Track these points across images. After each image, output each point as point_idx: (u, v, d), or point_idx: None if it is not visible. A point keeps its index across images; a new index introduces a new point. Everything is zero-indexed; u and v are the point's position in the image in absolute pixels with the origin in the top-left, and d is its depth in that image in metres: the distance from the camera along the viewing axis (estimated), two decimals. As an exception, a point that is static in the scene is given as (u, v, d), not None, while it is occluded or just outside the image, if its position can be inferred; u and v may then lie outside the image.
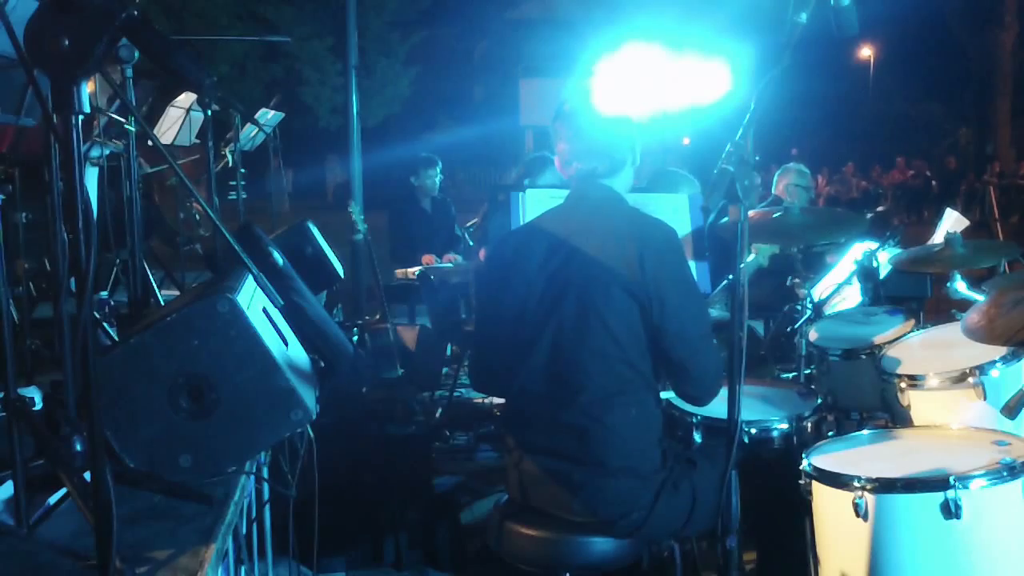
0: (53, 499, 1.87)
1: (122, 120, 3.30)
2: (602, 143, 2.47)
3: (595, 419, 2.32)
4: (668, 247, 2.38)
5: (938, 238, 3.57)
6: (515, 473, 2.46)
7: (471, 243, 6.50)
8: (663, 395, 2.87)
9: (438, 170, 6.75)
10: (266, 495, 2.56)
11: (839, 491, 2.22)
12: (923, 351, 2.94)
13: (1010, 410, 2.39)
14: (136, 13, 1.45)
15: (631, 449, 2.33)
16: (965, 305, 2.83)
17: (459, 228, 6.85)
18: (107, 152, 3.79)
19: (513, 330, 2.46)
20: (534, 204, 3.24)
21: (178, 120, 6.19)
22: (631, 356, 2.33)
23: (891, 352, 2.97)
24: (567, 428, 2.35)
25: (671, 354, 2.35)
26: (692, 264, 3.10)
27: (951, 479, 2.08)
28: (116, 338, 2.81)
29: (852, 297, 3.70)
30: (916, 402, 2.71)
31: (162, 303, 3.74)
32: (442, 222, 6.75)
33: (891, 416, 2.93)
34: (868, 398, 3.07)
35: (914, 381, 2.72)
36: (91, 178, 3.85)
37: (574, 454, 2.34)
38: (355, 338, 4.46)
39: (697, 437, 2.74)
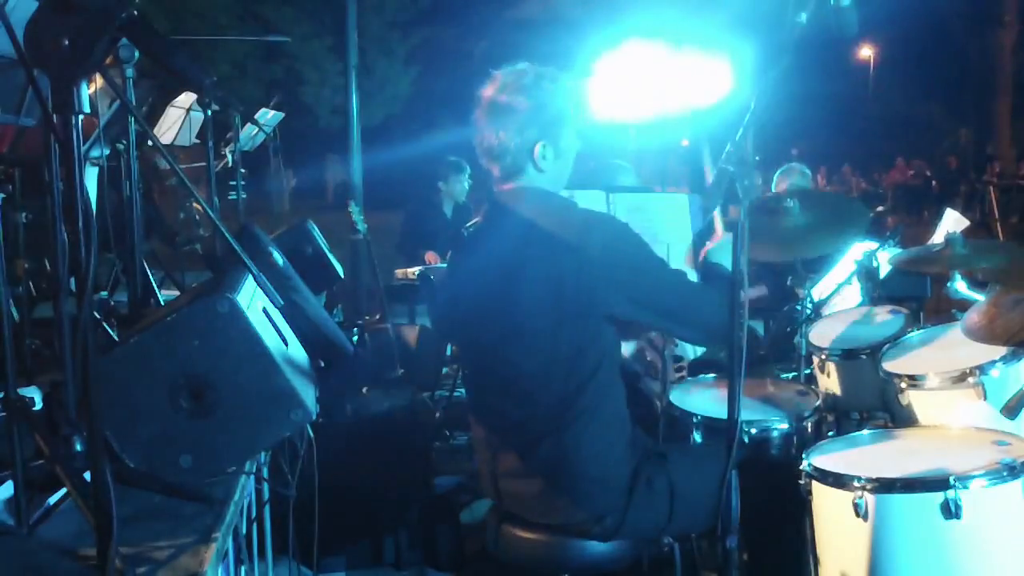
0: (53, 499, 1.87)
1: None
2: (486, 141, 2.29)
3: (552, 442, 2.26)
4: (611, 243, 2.21)
5: (938, 238, 3.57)
6: (492, 489, 2.46)
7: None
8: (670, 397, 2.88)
9: (467, 175, 6.67)
10: (266, 495, 2.56)
11: (839, 491, 2.22)
12: (923, 351, 2.94)
13: (1010, 410, 2.39)
14: (136, 13, 1.45)
15: (595, 458, 2.27)
16: (965, 305, 2.83)
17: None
18: (107, 152, 3.79)
19: (471, 369, 2.48)
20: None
21: (178, 120, 6.19)
22: (582, 373, 2.22)
23: (891, 352, 2.97)
24: (526, 448, 2.31)
25: (676, 320, 2.29)
26: (692, 272, 3.09)
27: (951, 479, 2.08)
28: (116, 338, 2.80)
29: (852, 297, 3.70)
30: (916, 402, 2.71)
31: (162, 303, 3.74)
32: (459, 228, 6.68)
33: (891, 416, 2.93)
34: (868, 398, 3.07)
35: (914, 381, 2.71)
36: (91, 178, 3.85)
37: (536, 470, 2.30)
38: (355, 338, 4.46)
39: (697, 437, 2.74)
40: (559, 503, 2.30)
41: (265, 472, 2.43)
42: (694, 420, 2.75)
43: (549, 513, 2.34)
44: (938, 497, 2.08)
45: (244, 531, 2.24)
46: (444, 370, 5.70)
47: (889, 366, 2.85)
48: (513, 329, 2.25)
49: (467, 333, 2.45)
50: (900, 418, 2.80)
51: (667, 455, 2.40)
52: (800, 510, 2.43)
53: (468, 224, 6.42)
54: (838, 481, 2.23)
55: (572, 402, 2.24)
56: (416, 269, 6.12)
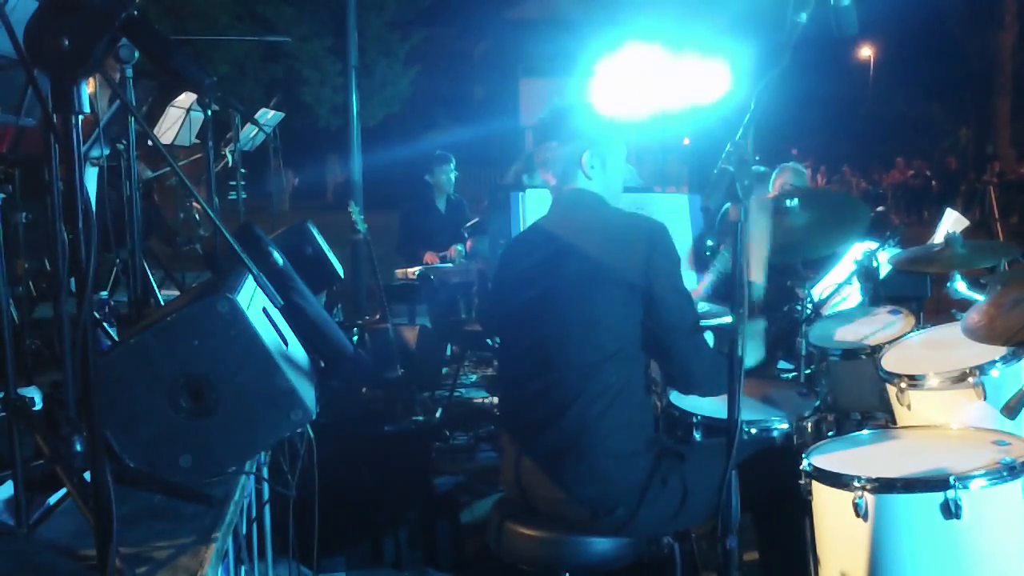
0: (53, 499, 1.87)
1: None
2: (540, 156, 2.54)
3: (576, 412, 2.35)
4: (669, 244, 2.42)
5: (938, 238, 3.57)
6: (512, 471, 2.48)
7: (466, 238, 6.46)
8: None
9: (452, 167, 6.71)
10: (266, 495, 2.56)
11: (839, 491, 2.22)
12: (923, 351, 2.94)
13: (1010, 410, 2.39)
14: (136, 13, 1.45)
15: (617, 435, 2.36)
16: (965, 305, 2.83)
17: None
18: (107, 152, 3.79)
19: (506, 337, 2.60)
20: (534, 204, 3.25)
21: (178, 120, 6.19)
22: (604, 347, 2.36)
23: (891, 352, 2.97)
24: (551, 418, 2.38)
25: (671, 352, 2.40)
26: (694, 276, 3.09)
27: (951, 479, 2.08)
28: (116, 338, 2.81)
29: (852, 297, 3.69)
30: (916, 402, 2.71)
31: (162, 303, 3.74)
32: (455, 223, 6.68)
33: (891, 416, 2.93)
34: (868, 398, 3.06)
35: (914, 381, 2.71)
36: (91, 178, 3.85)
37: (560, 440, 2.37)
38: (355, 338, 4.46)
39: (698, 436, 2.74)
40: (577, 476, 2.34)
41: (265, 472, 2.43)
42: (694, 420, 2.75)
43: (565, 488, 2.36)
44: (938, 497, 2.08)
45: (244, 531, 2.24)
46: (444, 370, 5.70)
47: (889, 366, 2.85)
48: (547, 292, 2.42)
49: (509, 302, 2.58)
50: (900, 418, 2.80)
51: (685, 456, 2.46)
52: (800, 510, 2.43)
53: (468, 224, 6.47)
54: (838, 481, 2.23)
55: (594, 373, 2.34)
56: (416, 269, 6.12)
